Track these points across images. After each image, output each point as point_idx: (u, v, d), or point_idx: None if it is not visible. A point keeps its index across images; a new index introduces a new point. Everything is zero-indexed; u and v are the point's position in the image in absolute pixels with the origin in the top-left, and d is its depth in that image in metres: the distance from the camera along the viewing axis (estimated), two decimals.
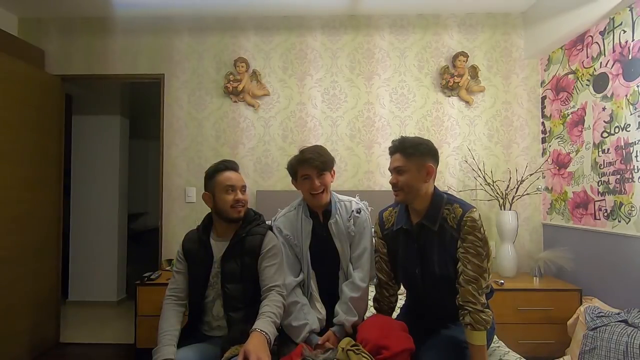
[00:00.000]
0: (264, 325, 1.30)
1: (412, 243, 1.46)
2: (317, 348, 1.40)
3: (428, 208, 1.43)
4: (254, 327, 1.29)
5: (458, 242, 1.38)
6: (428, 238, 1.43)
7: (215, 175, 1.54)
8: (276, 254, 1.53)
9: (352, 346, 1.27)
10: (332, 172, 1.62)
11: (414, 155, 1.41)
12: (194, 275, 1.54)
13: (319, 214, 1.62)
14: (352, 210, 1.61)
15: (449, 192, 2.86)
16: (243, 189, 1.56)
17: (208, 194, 1.55)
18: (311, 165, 1.53)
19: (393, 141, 1.48)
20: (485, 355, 1.31)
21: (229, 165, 1.57)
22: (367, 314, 1.68)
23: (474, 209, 1.39)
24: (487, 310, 1.33)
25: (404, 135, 1.55)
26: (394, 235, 1.53)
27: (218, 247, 1.53)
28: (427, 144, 1.45)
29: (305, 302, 1.54)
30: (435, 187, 1.47)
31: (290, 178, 1.67)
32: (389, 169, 1.50)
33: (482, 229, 1.37)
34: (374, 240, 1.64)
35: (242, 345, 1.25)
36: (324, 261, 1.60)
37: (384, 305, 1.59)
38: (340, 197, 1.68)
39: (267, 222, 1.65)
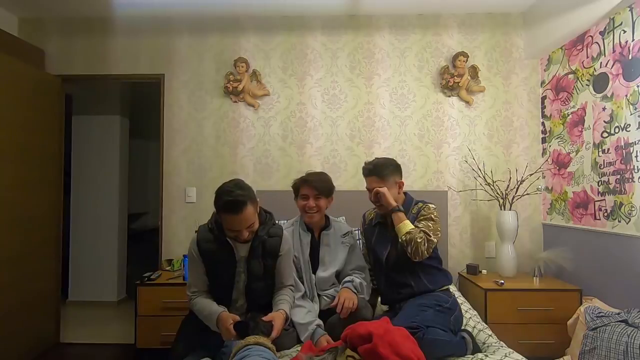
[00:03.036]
0: (287, 308, 1.55)
1: (386, 232, 1.83)
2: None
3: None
4: (278, 308, 1.52)
5: (415, 222, 1.75)
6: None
7: (219, 212, 1.48)
8: (291, 255, 1.72)
9: (348, 356, 1.30)
10: (330, 199, 1.89)
11: (388, 175, 1.76)
12: (216, 277, 1.56)
13: (315, 231, 1.90)
14: (349, 231, 1.96)
15: (447, 192, 2.87)
16: (249, 226, 1.48)
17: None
18: (310, 186, 1.82)
19: (366, 163, 1.83)
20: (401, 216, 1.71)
21: (232, 208, 1.42)
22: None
23: (432, 204, 1.80)
24: (422, 242, 1.65)
25: (375, 158, 1.88)
26: (371, 228, 1.91)
27: (238, 247, 1.56)
28: (394, 163, 1.82)
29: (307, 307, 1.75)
30: (406, 193, 1.87)
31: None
32: (366, 188, 1.83)
33: (434, 213, 1.75)
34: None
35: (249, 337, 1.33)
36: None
37: None
38: (336, 219, 2.02)
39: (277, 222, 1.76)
